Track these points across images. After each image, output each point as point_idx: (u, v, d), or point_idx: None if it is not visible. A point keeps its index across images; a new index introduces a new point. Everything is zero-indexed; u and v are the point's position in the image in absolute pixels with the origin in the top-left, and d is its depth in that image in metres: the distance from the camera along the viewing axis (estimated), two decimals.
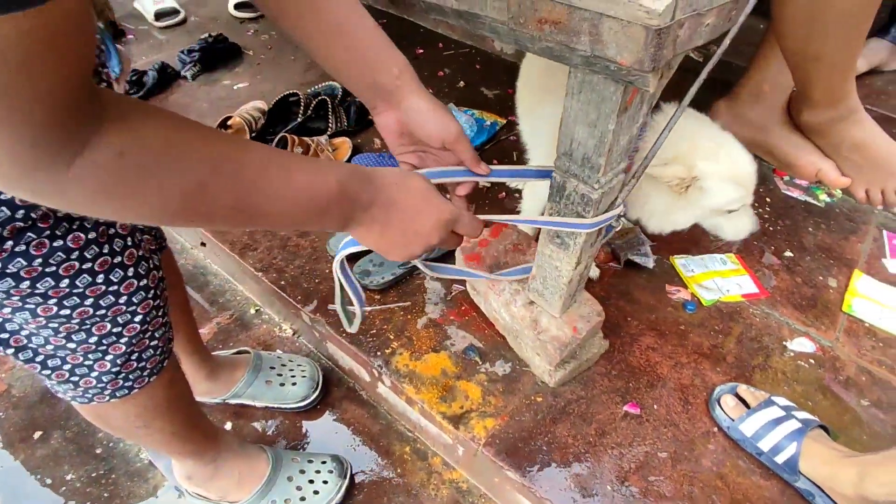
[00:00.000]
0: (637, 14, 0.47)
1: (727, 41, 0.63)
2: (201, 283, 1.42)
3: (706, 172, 0.80)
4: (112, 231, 0.55)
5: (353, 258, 1.19)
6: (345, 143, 1.47)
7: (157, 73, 1.76)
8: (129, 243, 0.58)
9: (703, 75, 0.66)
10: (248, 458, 0.97)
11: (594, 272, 1.17)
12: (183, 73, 1.81)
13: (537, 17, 0.55)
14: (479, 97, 1.73)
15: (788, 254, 1.27)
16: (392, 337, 1.06)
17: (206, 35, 1.86)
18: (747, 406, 0.93)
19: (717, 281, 1.19)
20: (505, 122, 1.59)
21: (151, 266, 0.61)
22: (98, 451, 1.11)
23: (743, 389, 0.95)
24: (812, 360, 1.06)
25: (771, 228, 1.34)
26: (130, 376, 0.65)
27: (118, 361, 0.62)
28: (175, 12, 2.12)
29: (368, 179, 0.54)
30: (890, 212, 1.39)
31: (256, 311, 1.34)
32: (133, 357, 0.63)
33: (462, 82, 1.79)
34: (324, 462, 1.01)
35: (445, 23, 0.70)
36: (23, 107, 0.30)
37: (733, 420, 0.91)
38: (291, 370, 1.14)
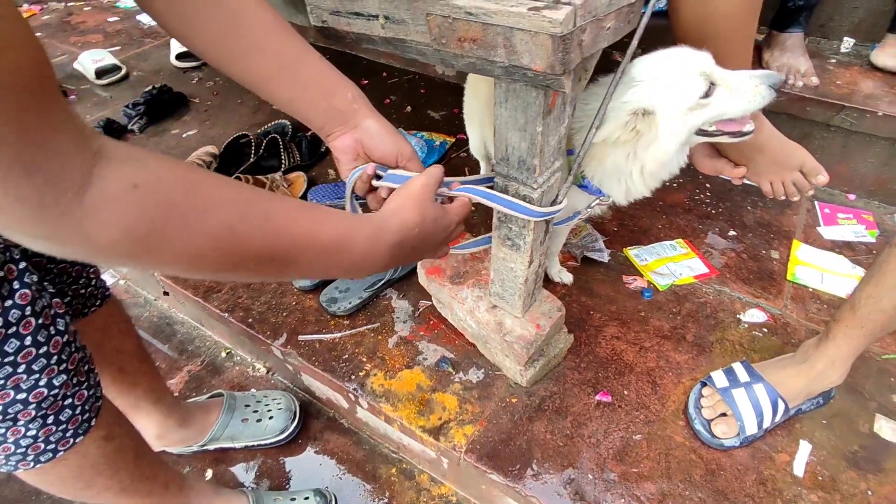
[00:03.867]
0: (542, 24, 0.52)
1: (635, 42, 0.69)
2: (168, 333, 1.40)
3: (641, 86, 0.76)
4: (9, 303, 0.54)
5: (319, 287, 1.21)
6: (300, 178, 1.50)
7: (104, 129, 1.75)
8: (28, 313, 0.56)
9: (619, 75, 0.72)
10: None
11: (568, 277, 1.21)
12: (130, 127, 1.80)
13: (457, 37, 0.60)
14: (427, 119, 1.79)
15: (732, 233, 1.35)
16: (365, 359, 1.07)
17: (150, 87, 1.87)
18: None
19: (670, 266, 1.25)
20: (454, 140, 1.64)
21: (53, 332, 0.60)
22: None
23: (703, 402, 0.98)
24: (765, 329, 1.12)
25: (713, 212, 1.42)
26: (51, 439, 0.63)
27: (32, 426, 0.60)
28: (116, 69, 2.12)
29: (386, 240, 0.57)
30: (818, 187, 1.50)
31: (227, 353, 1.33)
32: (49, 421, 0.61)
33: (409, 107, 1.85)
34: (307, 498, 1.00)
35: (388, 52, 0.74)
36: None
37: (723, 438, 0.92)
38: (267, 405, 1.13)
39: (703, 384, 0.98)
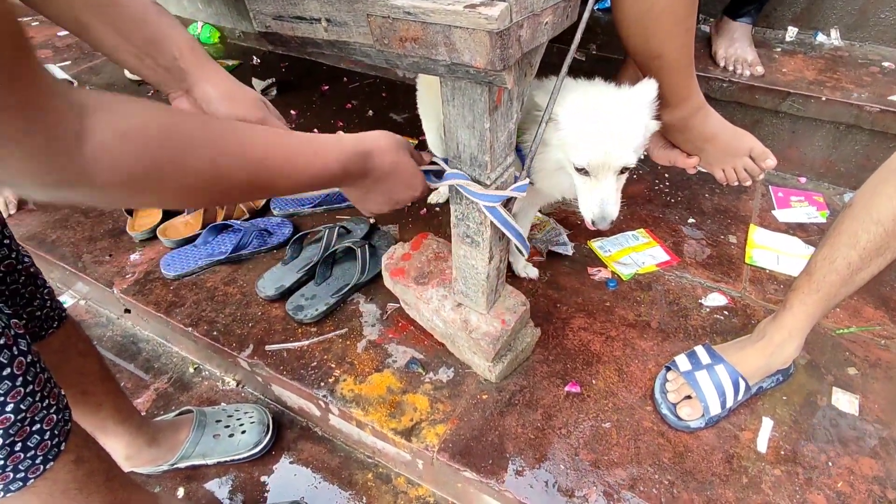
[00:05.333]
0: (478, 21, 0.53)
1: (578, 35, 0.70)
2: (133, 351, 1.36)
3: (573, 103, 0.77)
4: None
5: (285, 295, 1.19)
6: None
7: None
8: None
9: (565, 69, 0.73)
10: None
11: (534, 272, 1.22)
12: None
13: (398, 37, 0.60)
14: (390, 123, 1.79)
15: (691, 220, 1.38)
16: (334, 365, 1.06)
17: None
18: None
19: (633, 256, 1.27)
20: (417, 142, 1.64)
21: (16, 353, 0.58)
22: None
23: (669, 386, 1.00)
24: (726, 312, 1.15)
25: (673, 200, 1.45)
26: (21, 467, 0.61)
27: (0, 455, 0.59)
28: (68, 84, 2.06)
29: (367, 156, 0.63)
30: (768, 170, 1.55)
31: (195, 368, 1.30)
32: (17, 448, 0.59)
33: (371, 111, 1.84)
34: None
35: (336, 56, 0.74)
36: None
37: (688, 420, 0.94)
38: (239, 419, 1.11)
39: (668, 369, 1.00)
